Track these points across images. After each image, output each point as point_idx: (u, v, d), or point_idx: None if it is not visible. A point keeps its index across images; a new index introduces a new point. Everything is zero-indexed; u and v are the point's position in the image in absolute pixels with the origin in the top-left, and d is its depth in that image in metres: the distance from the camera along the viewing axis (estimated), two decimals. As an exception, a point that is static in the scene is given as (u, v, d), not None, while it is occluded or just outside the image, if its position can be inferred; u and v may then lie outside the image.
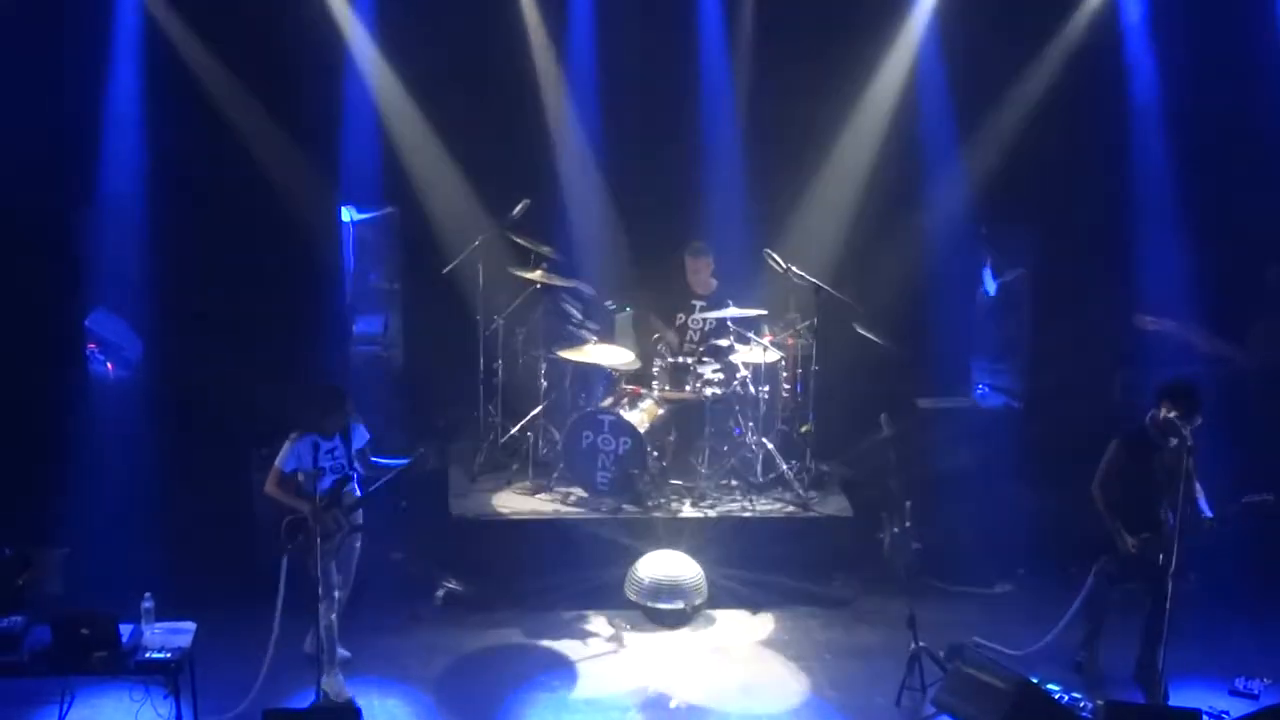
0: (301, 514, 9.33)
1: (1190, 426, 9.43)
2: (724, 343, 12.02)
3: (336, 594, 9.61)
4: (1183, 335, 12.38)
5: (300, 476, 9.56)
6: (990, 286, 13.80)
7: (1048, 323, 13.17)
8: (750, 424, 12.03)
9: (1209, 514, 9.48)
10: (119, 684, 8.92)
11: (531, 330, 12.54)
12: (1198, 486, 9.47)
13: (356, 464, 9.81)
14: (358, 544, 9.90)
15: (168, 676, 8.66)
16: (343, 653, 9.86)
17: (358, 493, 9.76)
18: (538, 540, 11.41)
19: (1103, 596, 9.93)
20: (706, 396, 11.92)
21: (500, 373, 12.40)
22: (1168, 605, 9.35)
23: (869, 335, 12.19)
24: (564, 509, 11.71)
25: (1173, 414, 9.50)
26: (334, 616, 9.59)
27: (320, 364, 12.18)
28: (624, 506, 11.64)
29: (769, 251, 11.89)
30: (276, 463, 9.62)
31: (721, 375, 11.98)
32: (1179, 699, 9.56)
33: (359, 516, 9.78)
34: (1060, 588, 10.18)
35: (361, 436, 9.89)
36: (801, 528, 11.61)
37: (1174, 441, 9.56)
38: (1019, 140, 12.77)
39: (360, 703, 9.43)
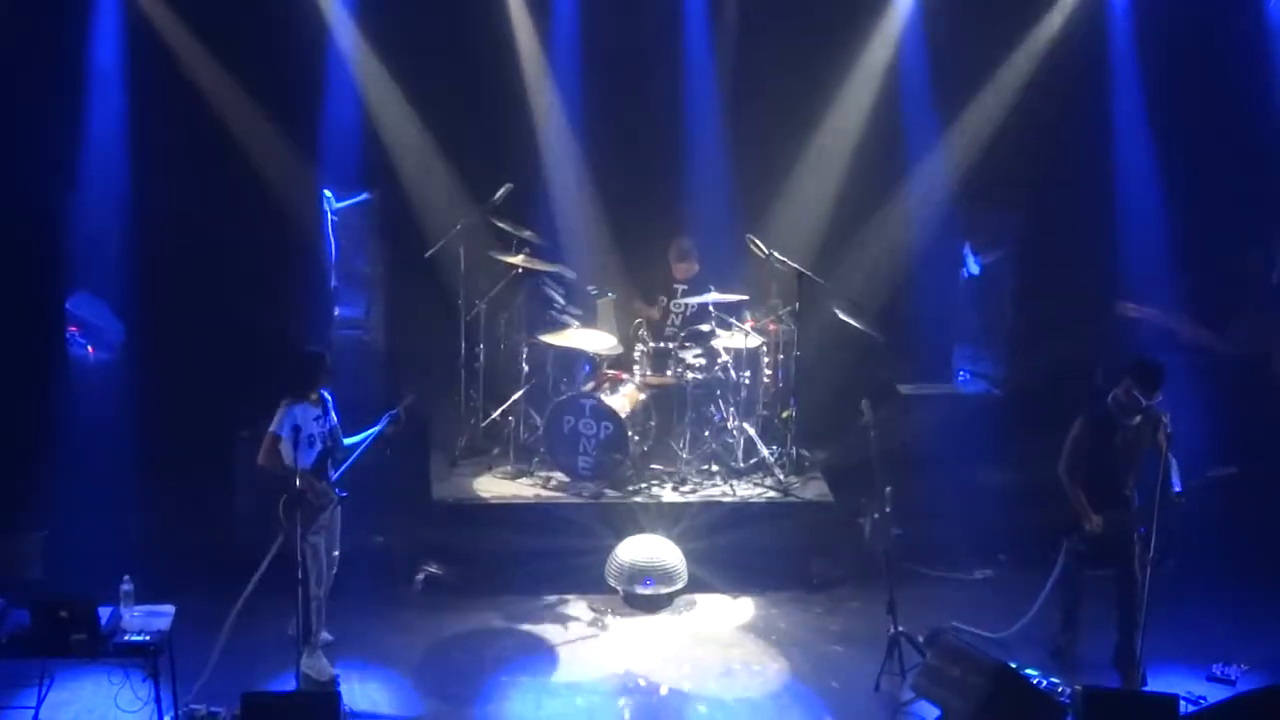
0: (295, 489, 9.20)
1: (1150, 402, 9.48)
2: (705, 328, 12.03)
3: (325, 571, 9.60)
4: (1164, 323, 12.44)
5: (288, 444, 9.50)
6: (973, 267, 13.80)
7: (1029, 309, 13.21)
8: (731, 409, 12.06)
9: (1179, 489, 9.53)
10: (98, 667, 8.88)
11: (513, 315, 12.54)
12: (1173, 462, 9.51)
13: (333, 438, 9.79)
14: (339, 520, 9.87)
15: (147, 659, 8.63)
16: (325, 636, 9.86)
17: (333, 472, 9.74)
18: (518, 524, 11.40)
19: (1073, 578, 9.96)
20: (688, 381, 11.94)
21: (482, 357, 12.39)
22: (1142, 589, 9.43)
23: (850, 321, 12.18)
24: (545, 493, 11.71)
25: (1134, 391, 9.55)
26: (323, 594, 9.58)
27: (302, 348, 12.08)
28: (605, 491, 11.65)
29: (751, 237, 11.90)
30: (271, 429, 9.50)
31: (703, 360, 12.00)
32: (1157, 684, 9.60)
33: (342, 491, 9.76)
34: (1040, 573, 10.18)
35: (333, 413, 9.86)
36: (782, 513, 11.62)
37: (1136, 419, 9.61)
38: (1001, 124, 12.79)
39: (340, 687, 9.44)
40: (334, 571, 9.81)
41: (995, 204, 13.42)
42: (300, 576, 9.17)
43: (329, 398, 9.78)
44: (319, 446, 9.55)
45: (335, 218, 13.06)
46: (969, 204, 13.32)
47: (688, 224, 12.72)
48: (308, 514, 9.22)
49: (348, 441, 9.84)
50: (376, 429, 9.89)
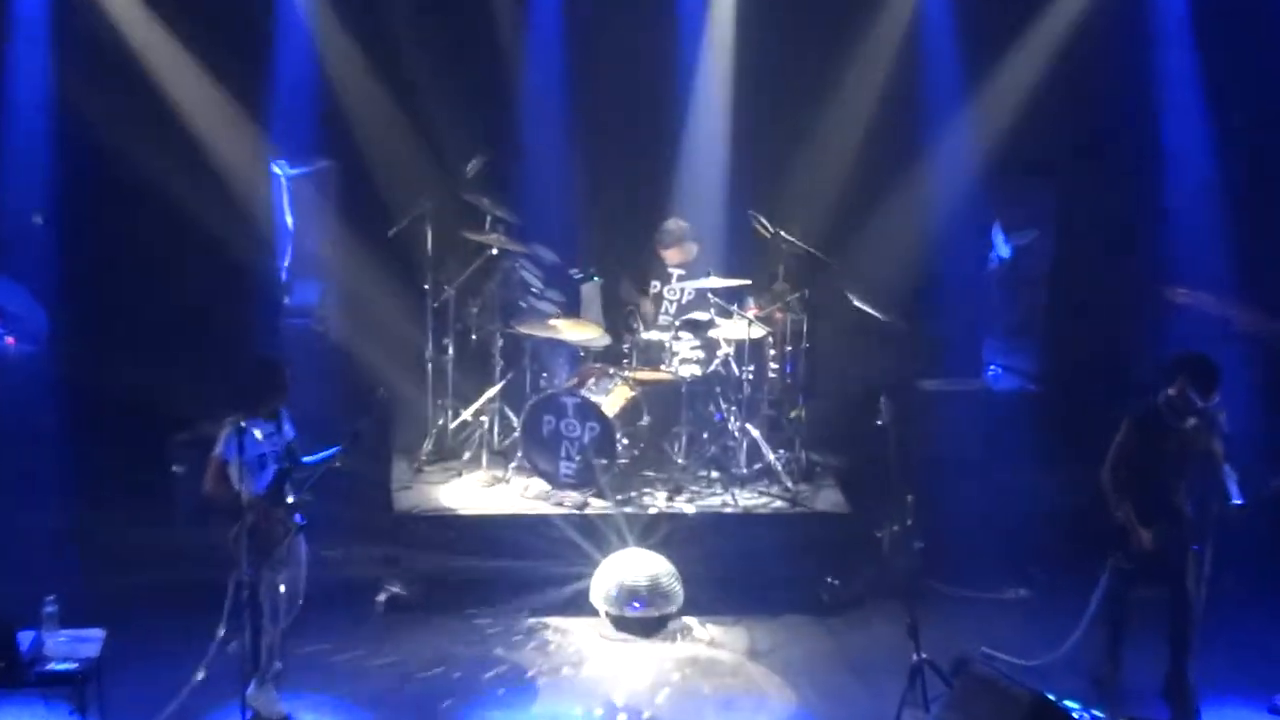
0: (246, 520, 9.06)
1: (1206, 404, 9.43)
2: (704, 316, 12.01)
3: (284, 609, 9.47)
4: (1218, 310, 12.41)
5: (238, 470, 9.35)
6: (1004, 249, 13.78)
7: (1067, 295, 13.26)
8: (733, 408, 12.06)
9: (1239, 500, 9.46)
10: (18, 698, 8.78)
11: (486, 301, 12.52)
12: (1227, 470, 9.45)
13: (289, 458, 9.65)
14: (303, 551, 9.73)
15: (73, 689, 8.57)
16: (275, 664, 9.72)
17: (290, 491, 9.60)
18: (492, 539, 11.38)
19: (1119, 598, 9.88)
20: (684, 377, 11.93)
21: (450, 349, 12.39)
22: (1196, 611, 9.38)
23: (867, 308, 12.20)
24: (522, 504, 11.70)
25: (1188, 391, 9.49)
26: (279, 633, 9.48)
27: (249, 339, 12.13)
28: (590, 501, 11.63)
29: (754, 214, 11.90)
30: (215, 453, 9.27)
31: (701, 353, 12.01)
32: (1212, 717, 9.59)
33: (301, 518, 9.63)
34: (1080, 592, 10.12)
35: (289, 428, 9.74)
36: (790, 525, 11.63)
37: (1191, 422, 9.55)
38: (1035, 88, 12.79)
39: (291, 721, 9.39)
40: (295, 613, 9.63)
41: (1028, 178, 13.49)
42: (252, 607, 9.09)
43: (283, 412, 9.65)
44: (272, 467, 9.41)
45: (287, 191, 12.99)
46: (999, 178, 13.36)
47: (683, 199, 12.76)
48: (262, 546, 9.10)
49: (308, 460, 9.63)
50: (336, 449, 9.64)
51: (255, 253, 12.69)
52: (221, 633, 9.15)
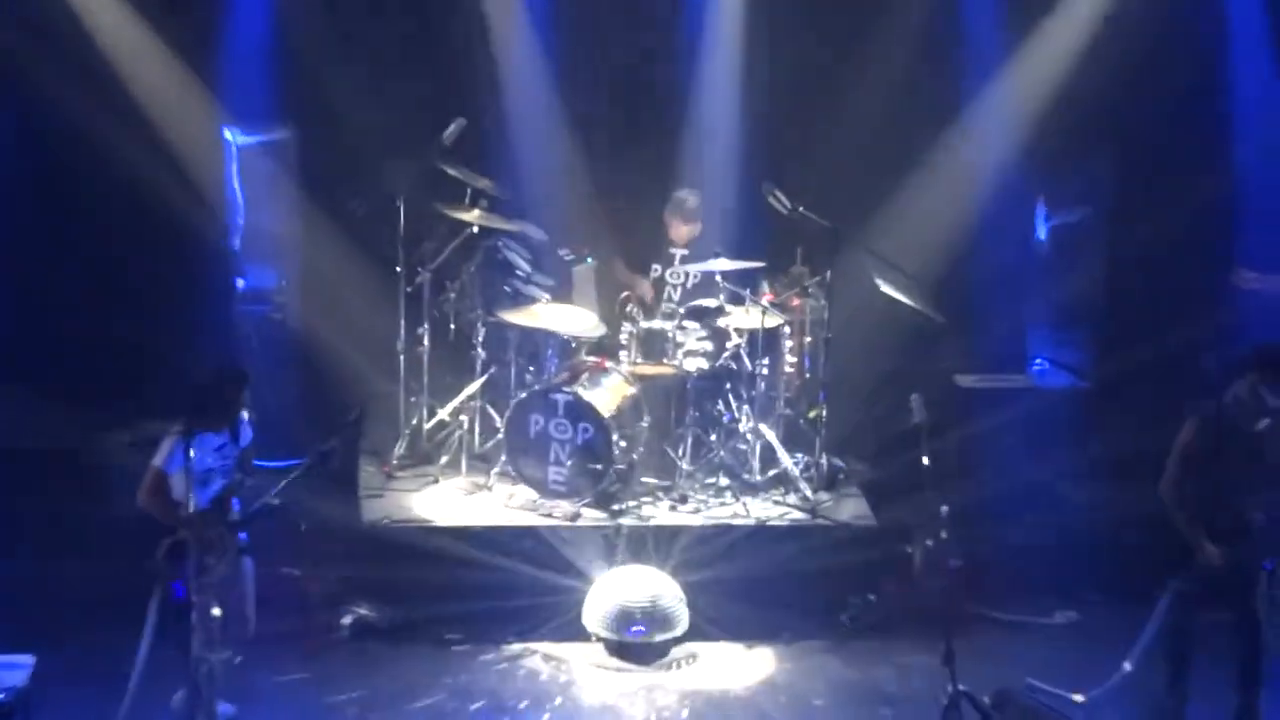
0: (183, 535, 8.97)
1: None
2: (712, 303, 12.00)
3: (220, 635, 9.35)
4: (1296, 297, 12.42)
5: (179, 482, 9.25)
6: (1041, 231, 13.81)
7: (1122, 280, 13.28)
8: (745, 407, 12.04)
9: None
10: (-64, 734, 8.84)
11: (466, 286, 12.51)
12: None
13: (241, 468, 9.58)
14: (250, 573, 9.65)
15: (0, 720, 8.62)
16: (225, 709, 9.64)
17: (237, 506, 9.51)
18: (472, 555, 11.30)
19: (1182, 623, 9.84)
20: (689, 371, 11.90)
21: (426, 340, 12.36)
22: (1268, 638, 9.34)
23: (897, 295, 12.19)
24: (506, 514, 11.66)
25: (1259, 388, 9.43)
26: (219, 665, 9.38)
27: (197, 327, 12.16)
28: (583, 511, 11.60)
29: (770, 186, 11.83)
30: (156, 462, 9.20)
31: (708, 344, 11.98)
32: (1287, 758, 9.59)
33: (248, 535, 9.54)
34: (1138, 616, 10.09)
35: (246, 434, 9.65)
36: (809, 539, 11.59)
37: (1263, 423, 9.49)
38: (1090, 46, 12.82)
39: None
40: (245, 641, 9.54)
41: (1079, 149, 13.48)
42: (180, 633, 8.97)
43: (242, 417, 9.57)
44: (218, 482, 9.34)
45: (241, 161, 12.98)
46: (1046, 149, 13.39)
47: (689, 171, 12.76)
48: (198, 565, 9.00)
49: (262, 465, 9.67)
50: (302, 465, 9.47)
51: (205, 231, 12.68)
52: (141, 658, 9.09)
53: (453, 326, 12.56)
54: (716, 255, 11.91)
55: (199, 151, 12.56)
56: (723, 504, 11.85)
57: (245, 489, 9.46)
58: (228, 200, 13.06)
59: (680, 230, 12.45)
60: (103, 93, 11.93)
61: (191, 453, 9.02)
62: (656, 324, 12.09)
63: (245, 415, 9.54)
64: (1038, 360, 13.72)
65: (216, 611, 9.19)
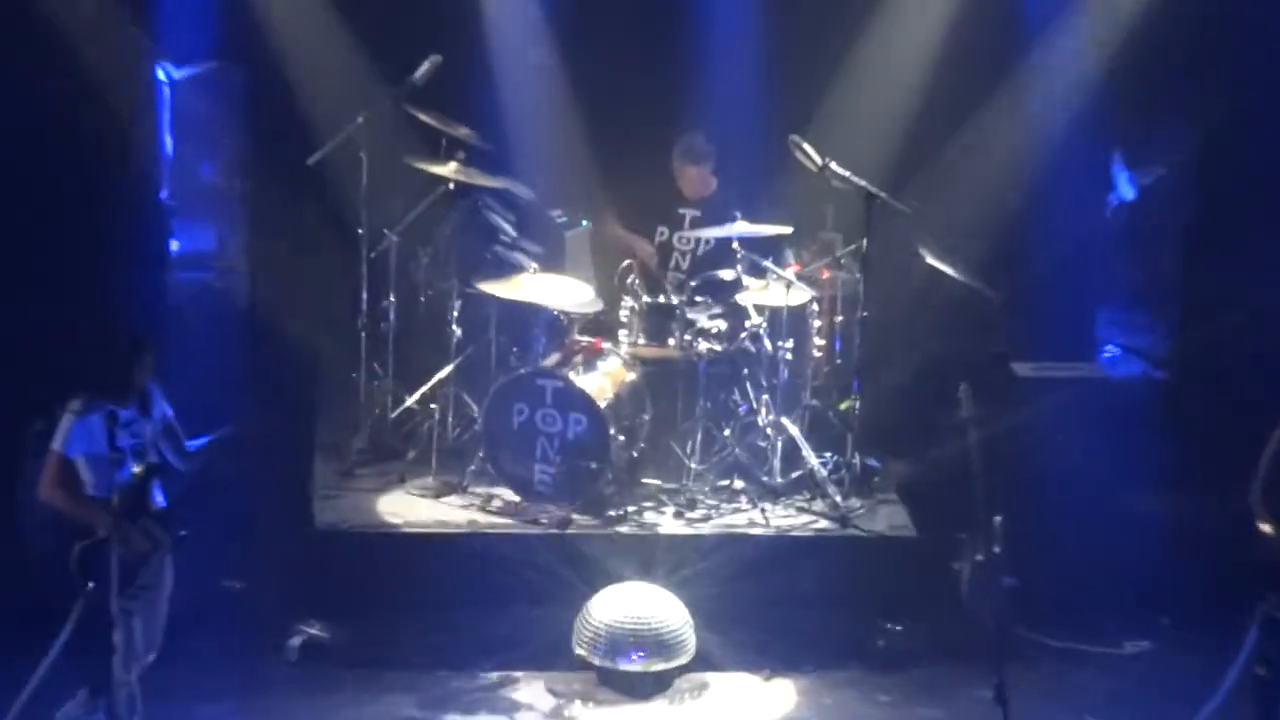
0: (97, 532, 8.96)
1: None
2: (727, 275, 12.02)
3: (140, 649, 9.37)
4: None
5: (87, 467, 9.28)
6: (1126, 191, 13.79)
7: (1208, 254, 13.25)
8: (765, 397, 12.06)
9: None
10: None
11: (440, 251, 12.59)
12: None
13: (161, 448, 9.55)
14: (169, 574, 9.65)
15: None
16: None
17: (160, 498, 9.52)
18: (444, 566, 11.35)
19: (1273, 657, 9.83)
20: (700, 355, 11.90)
21: (392, 314, 12.44)
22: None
23: (944, 267, 12.26)
24: (484, 519, 11.68)
25: None
26: (135, 679, 9.38)
27: (123, 297, 12.11)
28: (574, 517, 11.62)
29: (797, 139, 11.82)
30: (55, 446, 9.21)
31: (723, 323, 12.00)
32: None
33: (177, 528, 9.51)
34: (1221, 647, 10.08)
35: (161, 407, 9.62)
36: (838, 552, 11.65)
37: None
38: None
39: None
40: (149, 651, 9.55)
41: (1158, 101, 13.51)
42: (100, 650, 8.96)
43: (152, 387, 9.55)
44: (131, 465, 9.31)
45: (174, 102, 13.09)
46: (1120, 101, 13.42)
47: (703, 120, 12.79)
48: (121, 568, 8.96)
49: (194, 445, 9.62)
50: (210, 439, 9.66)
51: (132, 185, 12.65)
52: (35, 681, 9.04)
53: (423, 299, 12.65)
54: (734, 218, 11.91)
55: (124, 90, 12.49)
56: (737, 510, 11.89)
57: (171, 472, 9.46)
58: (159, 149, 13.09)
59: (691, 178, 12.50)
60: (16, 31, 11.92)
61: (111, 421, 9.09)
62: (662, 298, 12.09)
63: (154, 386, 9.52)
64: (1108, 346, 13.76)
65: (142, 623, 9.32)
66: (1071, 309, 13.50)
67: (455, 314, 12.22)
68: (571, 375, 11.63)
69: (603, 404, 11.55)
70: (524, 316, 12.18)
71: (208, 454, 9.60)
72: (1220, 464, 10.41)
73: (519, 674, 11.03)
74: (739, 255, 11.93)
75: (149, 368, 9.43)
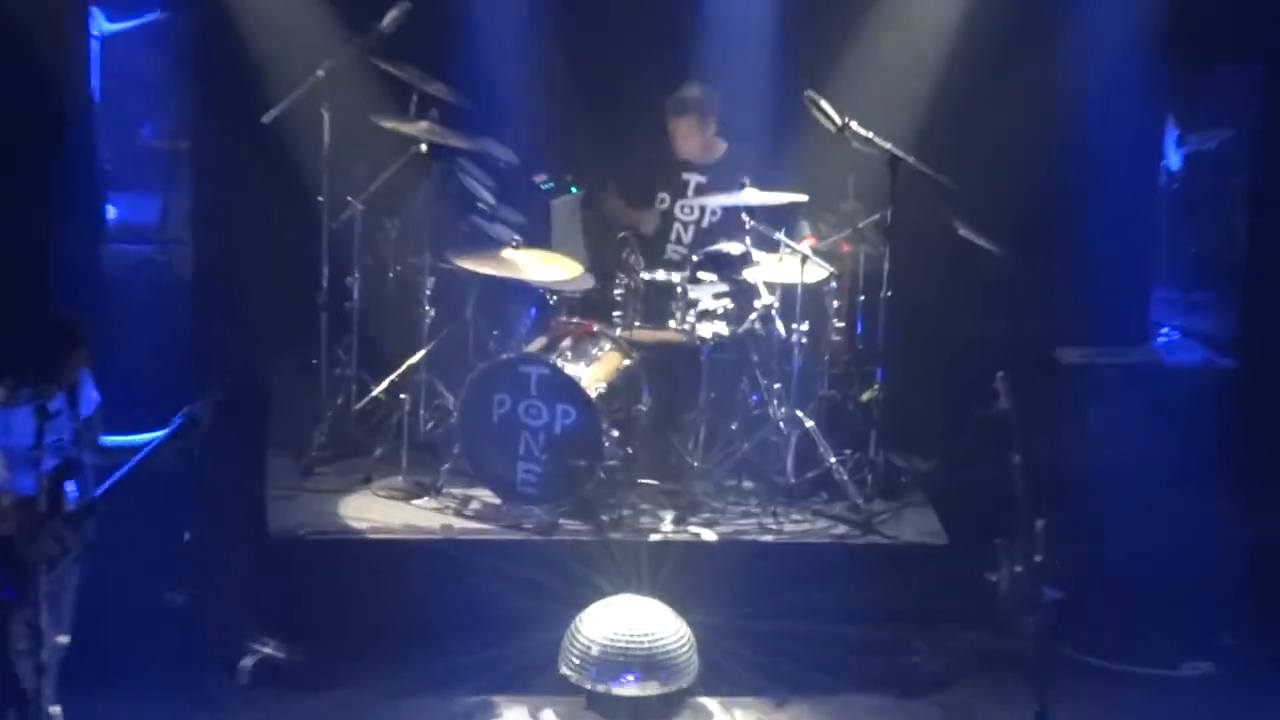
0: (6, 533, 9.09)
1: None
2: (735, 249, 11.98)
3: (44, 654, 9.32)
4: None
5: (3, 464, 9.31)
6: (1171, 158, 13.79)
7: (1276, 223, 13.30)
8: (777, 386, 12.00)
9: None
10: None
11: (411, 221, 12.59)
12: None
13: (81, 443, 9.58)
14: (75, 581, 9.67)
15: None
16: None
17: (74, 493, 9.49)
18: (415, 577, 11.36)
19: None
20: (704, 339, 11.86)
21: (356, 293, 12.41)
22: None
23: (979, 240, 12.27)
24: (460, 524, 11.69)
25: None
26: (47, 687, 9.36)
27: (54, 272, 12.18)
28: (561, 521, 11.62)
29: (814, 96, 11.82)
30: None
31: (730, 303, 11.96)
32: None
33: (89, 531, 9.57)
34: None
35: (90, 400, 9.67)
36: (860, 561, 11.65)
37: None
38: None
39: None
40: (57, 659, 9.55)
41: (1218, 56, 13.64)
42: (24, 652, 9.08)
43: (83, 374, 9.57)
44: (50, 462, 9.33)
45: (107, 56, 13.04)
46: (1175, 57, 13.46)
47: (707, 76, 12.81)
48: (27, 569, 9.05)
49: (110, 441, 9.66)
50: (161, 435, 9.61)
51: (62, 147, 12.67)
52: None
53: (392, 275, 12.65)
54: (743, 185, 11.88)
55: (52, 44, 12.54)
56: (746, 514, 11.89)
57: (86, 470, 9.47)
58: (93, 106, 13.07)
59: (689, 135, 12.51)
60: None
61: (33, 411, 9.13)
62: (661, 275, 12.09)
63: (86, 377, 9.59)
64: (1164, 330, 13.81)
65: (64, 640, 9.41)
66: (1123, 288, 13.54)
67: (428, 292, 12.21)
68: (559, 361, 11.60)
69: (594, 394, 11.52)
70: (505, 295, 12.25)
71: (136, 452, 9.55)
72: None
73: (498, 699, 11.03)
74: (748, 226, 11.89)
75: (84, 361, 9.48)
